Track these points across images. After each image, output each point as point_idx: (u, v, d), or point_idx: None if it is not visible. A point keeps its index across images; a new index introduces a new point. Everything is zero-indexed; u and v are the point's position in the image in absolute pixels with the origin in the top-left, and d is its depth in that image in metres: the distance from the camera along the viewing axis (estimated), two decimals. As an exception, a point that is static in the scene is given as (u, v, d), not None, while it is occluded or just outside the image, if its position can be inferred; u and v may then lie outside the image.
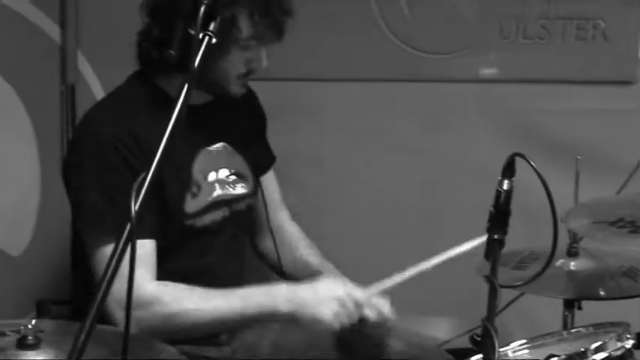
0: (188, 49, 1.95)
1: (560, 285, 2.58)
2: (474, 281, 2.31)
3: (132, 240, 1.36)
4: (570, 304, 2.58)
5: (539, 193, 3.08)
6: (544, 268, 1.80)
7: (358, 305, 2.32)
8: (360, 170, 3.37)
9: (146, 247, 2.35)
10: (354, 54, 3.32)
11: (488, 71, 3.35)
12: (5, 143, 3.16)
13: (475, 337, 1.60)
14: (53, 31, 3.16)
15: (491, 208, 1.73)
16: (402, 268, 2.73)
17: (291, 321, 2.40)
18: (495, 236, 1.72)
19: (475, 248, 2.28)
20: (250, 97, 2.79)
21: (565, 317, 2.59)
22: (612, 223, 2.35)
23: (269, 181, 2.82)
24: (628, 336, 2.05)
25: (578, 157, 2.62)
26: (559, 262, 2.62)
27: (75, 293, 2.71)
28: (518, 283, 2.02)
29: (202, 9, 1.49)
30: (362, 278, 2.47)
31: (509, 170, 1.74)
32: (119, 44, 2.57)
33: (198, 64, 1.55)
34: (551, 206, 1.68)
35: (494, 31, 3.29)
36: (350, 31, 3.30)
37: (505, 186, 1.74)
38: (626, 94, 3.31)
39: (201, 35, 1.53)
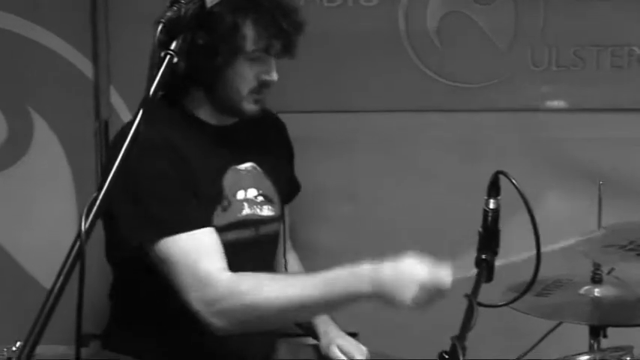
0: (196, 61, 1.98)
1: (585, 312, 2.54)
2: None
3: (81, 257, 1.37)
4: (596, 332, 2.53)
5: (569, 222, 3.06)
6: (528, 287, 1.76)
7: (440, 292, 2.16)
8: (394, 202, 3.35)
9: (206, 237, 2.34)
10: (386, 85, 3.32)
11: (521, 100, 3.30)
12: (42, 180, 3.23)
13: (444, 355, 1.58)
14: (86, 67, 3.24)
15: (480, 229, 1.73)
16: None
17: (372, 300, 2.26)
18: (483, 256, 1.71)
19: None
20: (280, 126, 2.84)
21: (591, 345, 2.54)
22: (622, 247, 2.33)
23: (286, 209, 2.81)
24: (628, 359, 2.02)
25: (601, 182, 2.57)
26: (583, 290, 2.59)
27: (108, 324, 2.71)
28: (501, 303, 1.96)
29: (159, 28, 1.49)
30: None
31: (494, 189, 1.74)
32: (151, 78, 2.60)
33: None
34: (533, 225, 1.65)
35: (527, 60, 3.26)
36: (381, 62, 3.31)
37: (491, 205, 1.74)
38: (665, 120, 3.24)
39: (162, 54, 1.53)
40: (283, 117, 2.84)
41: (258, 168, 2.60)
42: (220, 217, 2.47)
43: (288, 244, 2.86)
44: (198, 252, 2.31)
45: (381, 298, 2.18)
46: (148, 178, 2.32)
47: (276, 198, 2.66)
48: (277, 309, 2.25)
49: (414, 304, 2.13)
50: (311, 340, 2.82)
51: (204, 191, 2.44)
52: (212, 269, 2.28)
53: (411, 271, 2.17)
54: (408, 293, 2.12)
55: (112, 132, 3.23)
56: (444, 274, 2.15)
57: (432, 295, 2.14)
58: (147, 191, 2.32)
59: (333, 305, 2.33)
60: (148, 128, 2.39)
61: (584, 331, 2.57)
